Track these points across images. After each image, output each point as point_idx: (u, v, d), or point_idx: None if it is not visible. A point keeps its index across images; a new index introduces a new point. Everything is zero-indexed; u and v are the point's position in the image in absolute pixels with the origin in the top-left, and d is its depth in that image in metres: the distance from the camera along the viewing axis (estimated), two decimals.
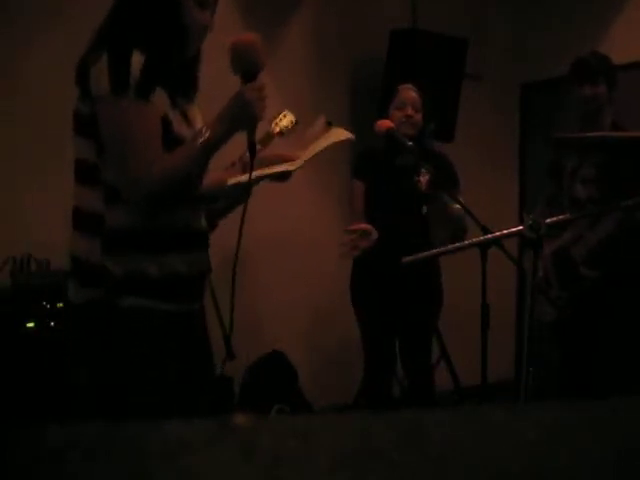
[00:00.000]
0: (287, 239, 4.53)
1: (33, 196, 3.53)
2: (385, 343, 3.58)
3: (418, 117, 3.48)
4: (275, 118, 2.11)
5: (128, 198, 1.75)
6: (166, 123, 1.78)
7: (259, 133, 2.03)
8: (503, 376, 4.64)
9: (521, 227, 2.63)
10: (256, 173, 1.88)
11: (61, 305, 3.12)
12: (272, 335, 4.36)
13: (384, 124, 3.26)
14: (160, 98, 1.78)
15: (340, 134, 2.08)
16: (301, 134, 2.12)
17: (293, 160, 2.00)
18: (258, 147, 1.99)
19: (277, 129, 2.07)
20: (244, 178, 1.91)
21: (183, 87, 1.90)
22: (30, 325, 3.06)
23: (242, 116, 1.77)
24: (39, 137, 3.57)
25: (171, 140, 1.78)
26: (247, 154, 1.85)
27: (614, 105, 3.15)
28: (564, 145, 3.23)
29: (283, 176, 2.01)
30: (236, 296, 1.94)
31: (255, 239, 4.43)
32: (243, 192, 1.94)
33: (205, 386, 1.98)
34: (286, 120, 2.17)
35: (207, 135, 1.74)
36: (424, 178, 3.40)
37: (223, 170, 2.06)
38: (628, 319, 3.09)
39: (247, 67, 1.81)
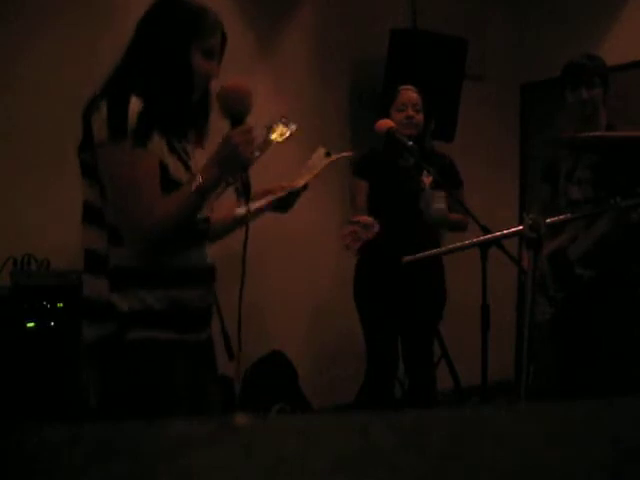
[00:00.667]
0: (287, 239, 4.53)
1: (33, 196, 3.53)
2: (388, 341, 3.60)
3: (419, 117, 3.51)
4: (273, 124, 2.13)
5: (129, 241, 1.82)
6: (162, 167, 1.83)
7: (257, 139, 2.06)
8: (503, 376, 4.65)
9: (521, 227, 2.64)
10: (256, 205, 2.01)
11: (61, 305, 3.12)
12: (272, 335, 4.36)
13: (384, 124, 3.27)
14: (157, 143, 1.83)
15: (341, 153, 2.20)
16: (301, 165, 2.18)
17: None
18: (256, 153, 2.03)
19: (273, 135, 2.09)
20: (242, 211, 2.01)
21: (185, 132, 1.95)
22: (30, 325, 3.06)
23: (231, 160, 1.84)
24: (39, 137, 3.57)
25: (168, 184, 1.84)
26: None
27: (607, 106, 3.16)
28: (561, 146, 3.24)
29: (283, 206, 2.13)
30: (236, 295, 1.96)
31: (255, 239, 4.43)
32: (242, 224, 2.03)
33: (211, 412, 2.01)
34: (284, 126, 2.18)
35: (199, 180, 1.81)
36: (427, 179, 3.41)
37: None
38: (623, 318, 3.10)
39: (235, 112, 1.86)
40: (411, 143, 3.22)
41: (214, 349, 2.11)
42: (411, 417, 0.60)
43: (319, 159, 2.15)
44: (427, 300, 3.59)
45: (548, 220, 2.52)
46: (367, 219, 3.18)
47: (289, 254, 4.56)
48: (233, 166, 1.85)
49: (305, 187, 2.11)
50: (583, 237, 3.08)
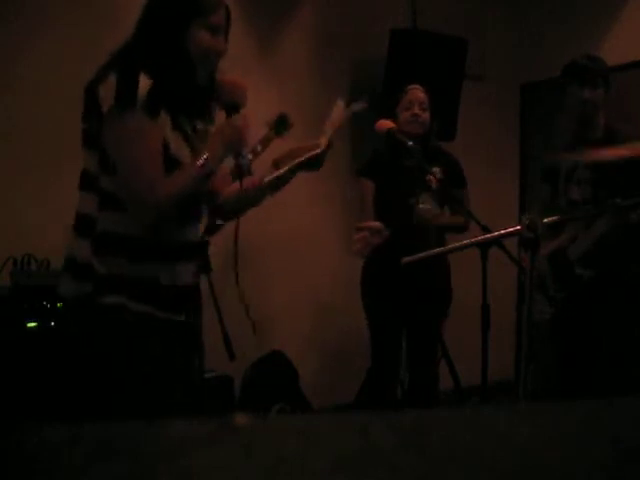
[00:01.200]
0: (287, 239, 4.53)
1: (33, 196, 3.53)
2: (392, 341, 3.62)
3: (425, 116, 3.54)
4: (271, 121, 2.17)
5: (133, 211, 1.86)
6: (164, 145, 1.89)
7: (259, 135, 2.11)
8: (503, 376, 4.65)
9: (519, 227, 2.64)
10: (285, 168, 2.10)
11: (61, 305, 3.12)
12: (272, 335, 4.36)
13: (384, 124, 3.27)
14: (163, 119, 1.88)
15: (357, 104, 2.22)
16: (322, 123, 2.20)
17: (317, 145, 2.15)
18: (259, 148, 2.09)
19: (273, 131, 2.15)
20: (277, 174, 2.10)
21: (195, 111, 2.00)
22: (30, 325, 3.06)
23: (233, 139, 1.93)
24: (39, 137, 3.57)
25: (169, 161, 1.89)
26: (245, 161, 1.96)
27: (606, 106, 3.16)
28: (554, 170, 3.24)
29: (313, 164, 2.15)
30: (237, 295, 1.97)
31: (255, 239, 4.43)
32: (261, 194, 2.12)
33: (182, 393, 2.00)
34: (282, 122, 2.23)
35: (205, 157, 1.89)
36: (434, 178, 3.43)
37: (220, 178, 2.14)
38: (623, 318, 3.11)
39: (232, 102, 1.98)
40: (411, 143, 3.21)
41: (196, 334, 2.13)
42: (411, 417, 0.60)
43: (338, 113, 2.18)
44: (431, 299, 3.61)
45: (545, 220, 2.52)
46: (376, 225, 3.27)
47: (290, 254, 4.56)
48: (234, 145, 1.94)
49: (329, 146, 2.16)
50: (583, 237, 3.09)
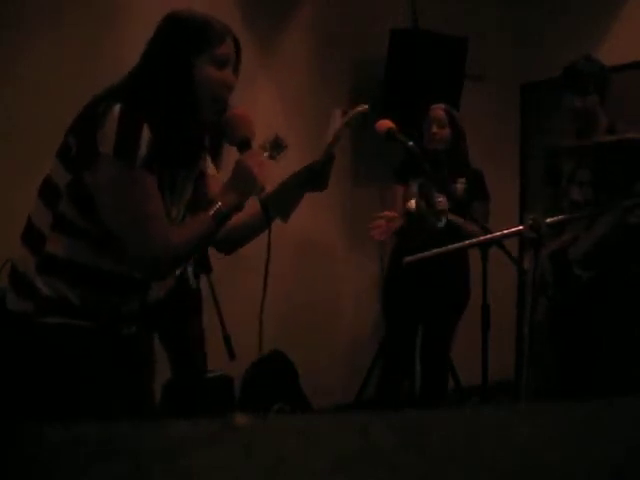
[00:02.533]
0: (288, 239, 4.53)
1: (33, 197, 3.53)
2: (408, 336, 3.90)
3: (443, 133, 3.81)
4: (264, 144, 2.11)
5: (137, 267, 1.81)
6: None
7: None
8: (503, 376, 4.64)
9: (521, 227, 2.64)
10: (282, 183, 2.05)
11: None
12: (272, 335, 4.36)
13: (384, 124, 3.27)
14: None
15: (356, 108, 2.12)
16: (322, 123, 2.16)
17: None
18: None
19: (265, 153, 2.08)
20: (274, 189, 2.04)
21: (188, 158, 1.90)
22: None
23: (247, 183, 1.86)
24: (39, 137, 3.57)
25: None
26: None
27: (607, 108, 3.16)
28: (559, 154, 3.25)
29: (315, 180, 2.09)
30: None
31: (258, 242, 4.42)
32: (266, 220, 2.03)
33: (130, 405, 1.96)
34: (277, 145, 2.17)
35: (218, 207, 1.82)
36: (440, 199, 3.62)
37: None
38: (623, 319, 3.11)
39: (243, 137, 1.89)
40: (411, 143, 3.22)
41: (148, 344, 2.08)
42: (411, 417, 0.60)
43: (335, 123, 2.11)
44: (448, 297, 3.80)
45: (548, 220, 2.53)
46: (390, 213, 3.62)
47: (290, 254, 4.56)
48: (249, 188, 1.87)
49: (331, 158, 2.09)
50: (583, 238, 3.09)
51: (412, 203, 3.65)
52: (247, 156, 1.86)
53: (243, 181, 1.85)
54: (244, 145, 1.88)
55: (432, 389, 3.87)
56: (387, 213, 3.62)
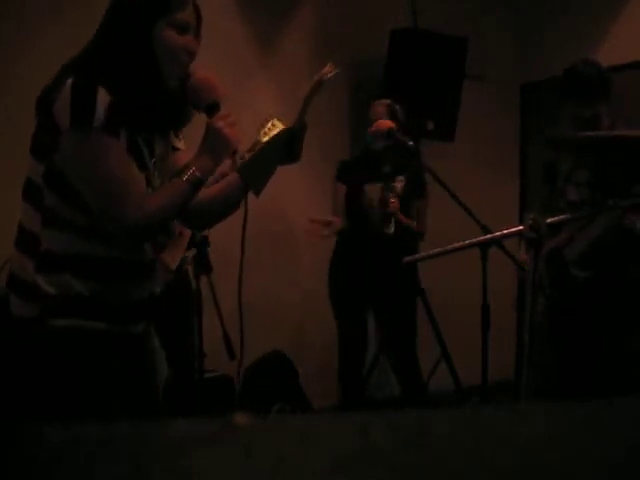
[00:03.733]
0: (287, 239, 4.53)
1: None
2: (357, 323, 4.05)
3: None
4: (263, 127, 2.08)
5: (110, 233, 1.77)
6: None
7: (247, 142, 2.04)
8: (503, 376, 4.64)
9: (521, 227, 2.64)
10: (253, 151, 1.97)
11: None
12: (272, 335, 4.36)
13: (384, 124, 3.28)
14: (122, 138, 1.76)
15: (323, 70, 2.11)
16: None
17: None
18: (246, 156, 2.00)
19: (265, 138, 2.04)
20: (247, 156, 1.97)
21: (156, 124, 1.87)
22: None
23: (219, 146, 1.83)
24: None
25: None
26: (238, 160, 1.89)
27: (609, 109, 3.15)
28: (559, 145, 3.23)
29: (288, 151, 2.02)
30: (236, 296, 1.95)
31: (255, 239, 4.42)
32: (239, 191, 1.96)
33: (141, 407, 1.94)
34: (275, 129, 2.14)
35: (191, 171, 1.79)
36: (393, 200, 3.79)
37: (213, 182, 2.05)
38: (620, 319, 3.11)
39: (210, 101, 1.85)
40: (411, 143, 3.23)
41: (152, 343, 2.06)
42: (411, 417, 0.60)
43: (305, 89, 2.08)
44: (399, 287, 3.94)
45: (549, 220, 2.53)
46: (326, 219, 3.85)
47: (290, 254, 4.56)
48: (222, 150, 1.84)
49: (303, 126, 2.03)
50: (579, 238, 3.09)
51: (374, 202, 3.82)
52: (217, 118, 1.83)
53: (215, 144, 1.83)
54: (213, 108, 1.84)
55: (407, 382, 4.02)
56: (324, 219, 3.81)
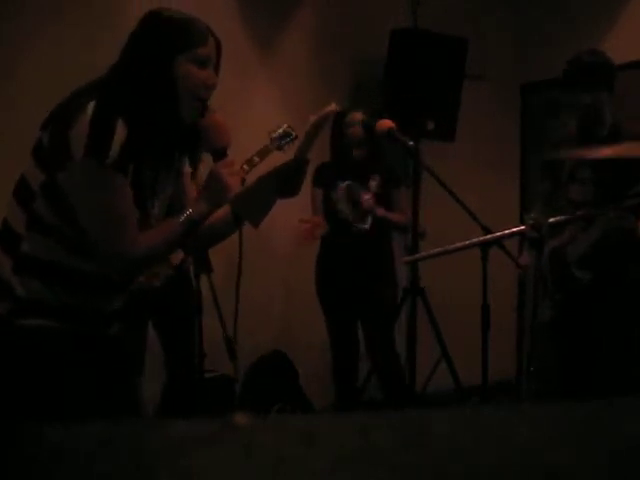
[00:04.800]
0: (287, 240, 4.53)
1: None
2: (346, 326, 4.07)
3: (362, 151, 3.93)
4: (273, 132, 2.08)
5: (105, 265, 1.80)
6: None
7: (257, 147, 2.05)
8: (503, 376, 4.64)
9: (523, 227, 2.64)
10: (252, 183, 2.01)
11: None
12: (273, 334, 4.36)
13: (385, 124, 3.28)
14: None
15: (325, 109, 2.08)
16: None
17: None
18: (256, 160, 2.02)
19: (275, 144, 2.05)
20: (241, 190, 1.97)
21: (166, 157, 1.89)
22: None
23: (218, 193, 1.86)
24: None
25: None
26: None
27: (612, 101, 3.13)
28: (556, 167, 3.22)
29: (289, 189, 2.05)
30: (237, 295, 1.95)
31: (255, 239, 4.42)
32: (234, 225, 2.01)
33: (116, 406, 1.94)
34: (286, 135, 2.13)
35: (188, 214, 1.83)
36: (367, 197, 3.85)
37: None
38: (622, 319, 3.10)
39: (218, 146, 1.88)
40: (412, 143, 3.24)
41: (138, 341, 2.07)
42: (411, 417, 0.60)
43: (308, 126, 2.06)
44: (377, 286, 3.95)
45: (551, 220, 2.52)
46: (316, 219, 3.86)
47: (290, 253, 4.56)
48: (221, 198, 1.87)
49: (304, 162, 2.04)
50: (581, 238, 3.08)
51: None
52: (221, 165, 1.86)
53: (215, 190, 1.86)
54: (220, 154, 1.88)
55: (390, 385, 4.02)
56: (314, 218, 3.85)
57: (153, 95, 1.78)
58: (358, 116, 3.87)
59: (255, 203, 2.03)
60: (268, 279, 4.41)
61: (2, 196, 3.57)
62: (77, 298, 1.83)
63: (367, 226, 3.89)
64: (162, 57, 1.78)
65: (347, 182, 3.89)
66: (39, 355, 1.80)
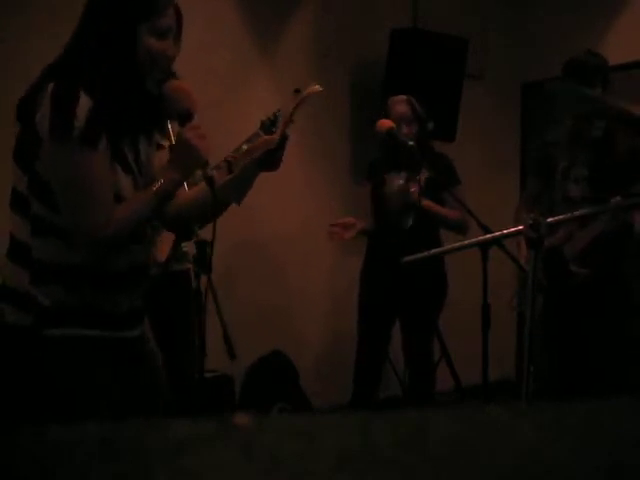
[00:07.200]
0: (288, 240, 4.53)
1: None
2: (380, 332, 3.83)
3: (410, 129, 3.63)
4: (264, 118, 2.11)
5: (81, 245, 1.76)
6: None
7: (250, 132, 2.06)
8: (504, 376, 4.64)
9: (522, 227, 2.64)
10: (243, 163, 1.99)
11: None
12: (273, 334, 4.36)
13: (385, 124, 3.29)
14: (102, 148, 1.75)
15: (308, 89, 2.12)
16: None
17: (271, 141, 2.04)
18: (244, 148, 2.02)
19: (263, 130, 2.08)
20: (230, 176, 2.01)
21: (138, 127, 1.86)
22: None
23: (188, 158, 1.81)
24: None
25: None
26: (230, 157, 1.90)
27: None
28: (549, 166, 3.22)
29: (271, 164, 2.02)
30: (237, 296, 1.95)
31: (256, 239, 4.43)
32: (220, 201, 1.93)
33: (142, 408, 1.94)
34: (274, 120, 2.16)
35: (159, 183, 1.78)
36: (414, 188, 3.57)
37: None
38: (617, 317, 3.11)
39: (182, 110, 1.82)
40: (412, 143, 3.24)
41: (150, 346, 2.05)
42: (411, 417, 0.60)
43: (291, 104, 2.10)
44: (425, 291, 3.72)
45: (550, 219, 2.52)
46: (347, 220, 3.72)
47: (289, 254, 4.56)
48: (191, 164, 1.82)
49: (285, 138, 2.03)
50: (579, 236, 3.09)
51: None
52: (187, 129, 1.80)
53: (185, 156, 1.80)
54: (185, 118, 1.81)
55: (417, 388, 3.86)
56: (345, 220, 3.73)
57: (114, 64, 1.75)
58: (403, 97, 3.71)
59: (240, 182, 2.02)
60: (267, 279, 4.41)
61: (2, 194, 3.58)
62: (94, 297, 1.80)
63: (409, 224, 3.64)
64: (121, 27, 1.75)
65: (396, 173, 3.69)
66: (66, 367, 1.77)
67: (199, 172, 1.86)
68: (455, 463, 0.53)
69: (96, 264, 1.80)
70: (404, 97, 3.69)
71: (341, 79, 4.78)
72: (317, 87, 2.08)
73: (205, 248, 2.74)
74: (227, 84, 4.22)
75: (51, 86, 1.69)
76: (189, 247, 3.29)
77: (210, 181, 1.84)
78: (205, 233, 2.87)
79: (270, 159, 2.00)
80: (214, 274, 2.77)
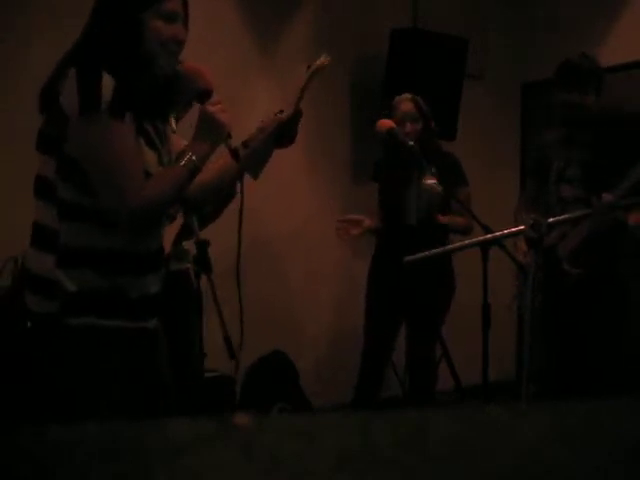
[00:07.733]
0: (288, 239, 4.53)
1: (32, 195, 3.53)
2: (386, 330, 3.77)
3: (416, 127, 3.60)
4: (273, 115, 2.13)
5: (114, 220, 1.78)
6: None
7: (250, 132, 2.08)
8: (504, 376, 4.64)
9: (522, 227, 2.64)
10: (258, 139, 2.06)
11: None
12: (273, 334, 4.36)
13: (385, 124, 3.28)
14: (128, 123, 1.80)
15: (317, 62, 2.14)
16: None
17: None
18: (260, 136, 2.07)
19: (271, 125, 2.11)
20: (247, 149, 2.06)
21: (157, 108, 1.93)
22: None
23: (213, 131, 1.88)
24: None
25: None
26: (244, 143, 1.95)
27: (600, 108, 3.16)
28: (544, 167, 3.23)
29: (284, 136, 2.09)
30: (238, 295, 1.96)
31: (257, 239, 4.43)
32: (236, 174, 2.04)
33: (157, 402, 1.97)
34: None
35: (188, 157, 1.83)
36: (430, 180, 3.48)
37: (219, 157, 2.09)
38: (611, 315, 3.11)
39: (201, 90, 1.90)
40: (412, 143, 3.24)
41: (164, 340, 2.07)
42: (411, 417, 0.60)
43: (302, 78, 2.14)
44: (433, 292, 3.68)
45: (551, 220, 2.53)
46: (355, 217, 3.67)
47: (290, 255, 4.56)
48: (216, 135, 1.88)
49: (298, 113, 2.11)
50: (572, 235, 3.09)
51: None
52: (209, 104, 1.87)
53: (209, 129, 1.87)
54: (205, 95, 1.88)
55: (418, 389, 3.82)
56: (352, 216, 3.69)
57: (124, 52, 1.80)
58: (408, 95, 3.68)
59: (257, 158, 2.09)
60: (268, 279, 4.41)
61: (3, 194, 3.57)
62: (123, 280, 1.82)
63: (413, 222, 3.60)
64: (129, 14, 1.81)
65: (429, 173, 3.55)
66: (86, 355, 1.80)
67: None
68: (455, 463, 0.53)
69: (128, 246, 1.83)
70: (409, 95, 3.67)
71: (341, 79, 4.78)
72: (325, 59, 2.11)
73: (205, 248, 2.74)
74: (227, 84, 4.22)
75: (72, 71, 1.74)
76: (189, 246, 3.30)
77: (235, 153, 1.94)
78: (205, 233, 2.88)
79: (285, 134, 2.09)
80: (214, 274, 2.77)
